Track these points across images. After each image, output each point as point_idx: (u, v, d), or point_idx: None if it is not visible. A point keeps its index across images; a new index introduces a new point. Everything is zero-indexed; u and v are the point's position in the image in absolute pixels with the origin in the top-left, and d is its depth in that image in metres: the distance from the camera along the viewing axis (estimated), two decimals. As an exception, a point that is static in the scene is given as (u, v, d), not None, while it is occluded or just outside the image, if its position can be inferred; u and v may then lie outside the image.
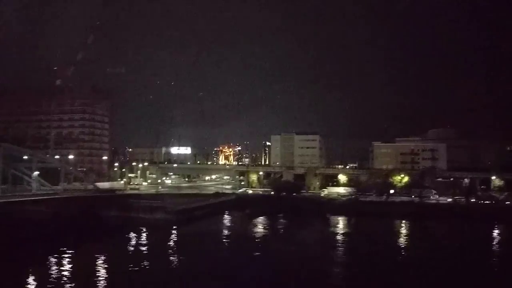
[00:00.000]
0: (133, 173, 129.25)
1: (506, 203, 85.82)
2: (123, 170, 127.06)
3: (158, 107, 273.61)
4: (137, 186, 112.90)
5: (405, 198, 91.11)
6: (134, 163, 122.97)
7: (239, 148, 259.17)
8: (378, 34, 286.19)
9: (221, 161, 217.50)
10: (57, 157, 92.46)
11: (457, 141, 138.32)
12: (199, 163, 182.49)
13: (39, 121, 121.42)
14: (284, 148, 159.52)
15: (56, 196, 63.80)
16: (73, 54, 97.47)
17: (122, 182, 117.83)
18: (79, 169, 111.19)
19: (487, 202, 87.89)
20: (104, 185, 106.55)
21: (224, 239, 58.90)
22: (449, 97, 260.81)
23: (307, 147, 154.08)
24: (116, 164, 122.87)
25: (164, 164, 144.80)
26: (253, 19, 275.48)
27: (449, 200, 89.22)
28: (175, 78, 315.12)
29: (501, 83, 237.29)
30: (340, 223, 75.35)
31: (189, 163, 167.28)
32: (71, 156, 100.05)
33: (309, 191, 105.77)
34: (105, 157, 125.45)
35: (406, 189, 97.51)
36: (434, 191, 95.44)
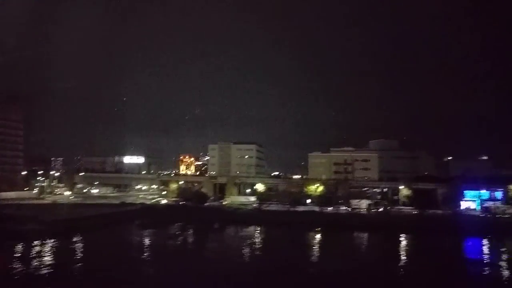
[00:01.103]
0: (58, 182, 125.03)
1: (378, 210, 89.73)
2: (42, 178, 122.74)
3: (114, 115, 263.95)
4: (47, 196, 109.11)
5: (307, 208, 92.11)
6: (40, 172, 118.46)
7: (208, 157, 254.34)
8: (326, 43, 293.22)
9: (182, 170, 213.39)
10: None
11: (398, 152, 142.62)
12: (148, 173, 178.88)
13: None
14: (221, 157, 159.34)
15: None
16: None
17: (34, 192, 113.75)
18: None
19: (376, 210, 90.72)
20: (9, 194, 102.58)
21: (87, 252, 56.71)
22: (394, 108, 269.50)
23: (244, 157, 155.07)
24: (24, 173, 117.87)
25: (88, 173, 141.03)
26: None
27: (349, 210, 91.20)
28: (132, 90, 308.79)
29: (444, 96, 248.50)
30: (230, 233, 75.12)
31: (144, 172, 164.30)
32: None
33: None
34: (19, 166, 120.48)
35: (320, 198, 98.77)
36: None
